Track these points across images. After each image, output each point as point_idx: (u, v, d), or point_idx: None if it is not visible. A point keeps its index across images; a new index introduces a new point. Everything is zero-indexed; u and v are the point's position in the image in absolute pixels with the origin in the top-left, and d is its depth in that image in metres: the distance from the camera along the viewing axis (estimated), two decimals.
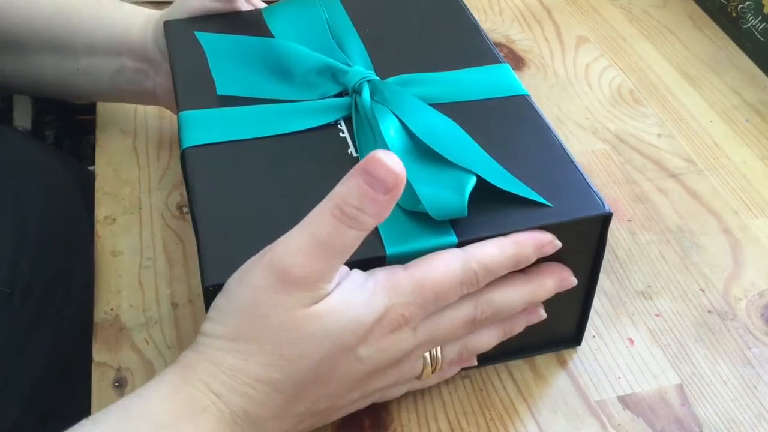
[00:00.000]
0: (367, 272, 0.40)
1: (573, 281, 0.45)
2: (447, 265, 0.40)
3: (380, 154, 0.35)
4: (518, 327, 0.45)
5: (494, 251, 0.41)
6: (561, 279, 0.44)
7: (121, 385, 0.48)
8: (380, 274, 0.40)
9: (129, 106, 0.68)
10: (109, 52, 0.60)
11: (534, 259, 0.42)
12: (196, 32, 0.54)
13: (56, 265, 0.53)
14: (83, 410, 0.47)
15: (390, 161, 0.35)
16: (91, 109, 0.70)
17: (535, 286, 0.44)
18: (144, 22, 0.59)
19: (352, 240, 0.37)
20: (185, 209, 0.59)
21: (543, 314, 0.46)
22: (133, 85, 0.61)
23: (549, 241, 0.42)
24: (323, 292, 0.38)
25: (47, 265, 0.52)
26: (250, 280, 0.38)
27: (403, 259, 0.41)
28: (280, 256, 0.37)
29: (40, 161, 0.60)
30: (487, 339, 0.44)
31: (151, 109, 0.68)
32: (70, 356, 0.52)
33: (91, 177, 0.64)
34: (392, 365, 0.41)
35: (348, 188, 0.36)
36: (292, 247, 0.37)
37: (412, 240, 0.41)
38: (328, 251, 0.37)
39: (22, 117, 0.97)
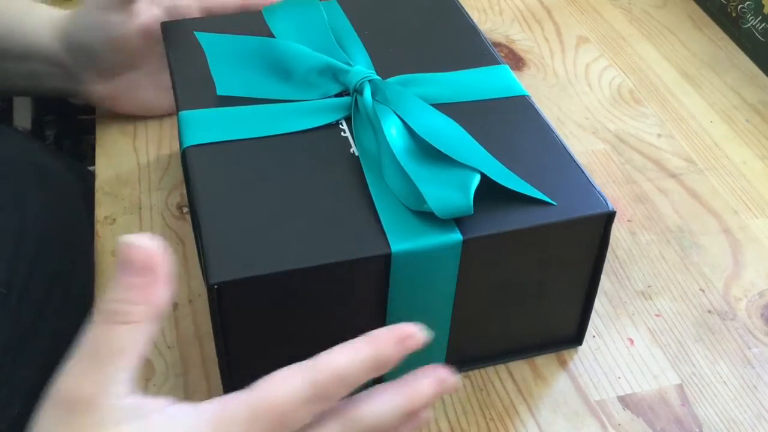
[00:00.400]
0: (198, 403, 0.34)
1: (453, 382, 0.37)
2: (289, 381, 0.34)
3: (127, 238, 0.32)
4: None
5: (346, 356, 0.35)
6: (439, 380, 0.37)
7: None
8: (209, 404, 0.33)
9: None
10: (18, 57, 0.60)
11: (397, 357, 0.36)
12: (195, 32, 0.54)
13: (56, 265, 0.53)
14: None
15: (138, 240, 0.32)
16: (91, 109, 0.70)
17: (409, 391, 0.37)
18: (52, 25, 0.59)
19: (126, 338, 0.32)
20: (185, 209, 0.59)
21: (429, 416, 0.40)
22: (53, 87, 0.61)
23: (410, 334, 0.36)
24: (111, 412, 0.32)
25: (46, 265, 0.52)
26: (38, 425, 0.32)
27: (408, 257, 0.41)
28: (56, 385, 0.32)
29: (40, 161, 0.60)
30: None
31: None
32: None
33: (91, 177, 0.64)
34: None
35: (109, 288, 0.33)
36: (65, 370, 0.32)
37: (417, 237, 0.41)
38: (96, 359, 0.32)
39: (22, 117, 0.97)
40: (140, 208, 0.59)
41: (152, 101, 0.64)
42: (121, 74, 0.62)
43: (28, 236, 0.52)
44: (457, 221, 0.42)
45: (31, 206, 0.54)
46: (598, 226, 0.44)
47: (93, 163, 0.64)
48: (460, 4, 0.59)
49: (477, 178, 0.42)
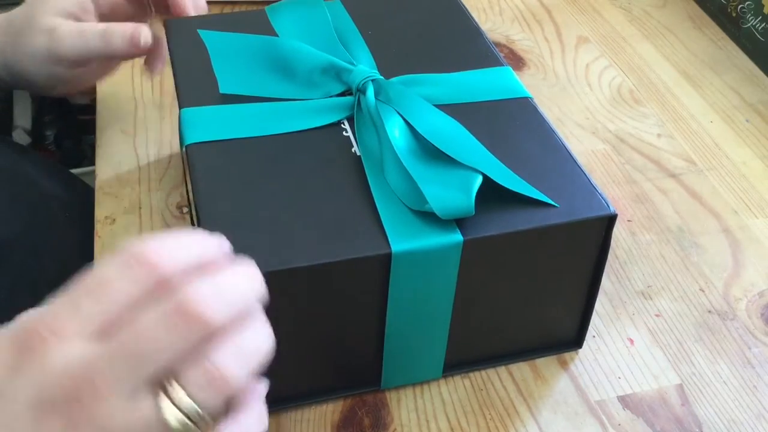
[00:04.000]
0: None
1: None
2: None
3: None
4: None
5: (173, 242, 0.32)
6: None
7: None
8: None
9: (129, 106, 0.68)
10: None
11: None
12: (199, 30, 0.54)
13: (17, 269, 0.52)
14: None
15: None
16: (91, 109, 0.70)
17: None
18: None
19: None
20: (185, 209, 0.59)
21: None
22: None
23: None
24: None
25: (8, 269, 0.52)
26: None
27: (408, 257, 0.41)
28: None
29: (12, 167, 0.60)
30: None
31: (151, 109, 0.68)
32: None
33: (79, 183, 0.64)
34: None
35: None
36: None
37: (418, 237, 0.41)
38: None
39: (22, 117, 0.97)
40: (140, 208, 0.59)
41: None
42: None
43: None
44: (458, 222, 0.42)
45: None
46: (600, 229, 0.44)
47: (93, 163, 0.64)
48: (463, 5, 0.59)
49: (479, 179, 0.42)
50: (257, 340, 0.32)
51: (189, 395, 0.30)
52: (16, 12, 0.59)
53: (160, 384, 0.30)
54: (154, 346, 0.30)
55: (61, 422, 0.30)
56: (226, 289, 0.32)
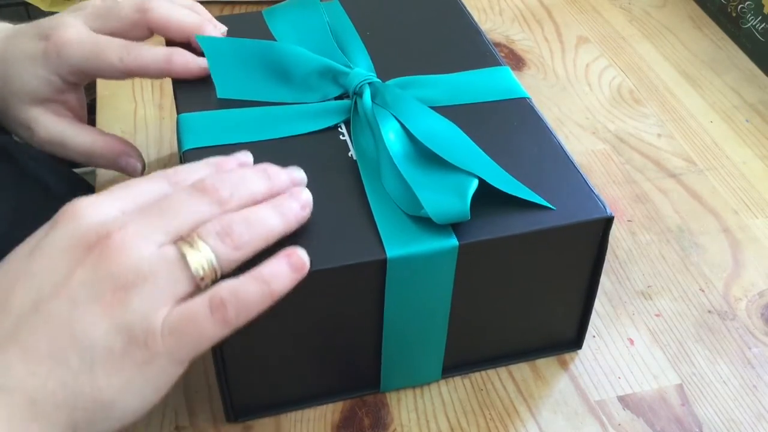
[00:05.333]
0: None
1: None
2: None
3: None
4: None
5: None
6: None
7: None
8: None
9: (129, 106, 0.68)
10: None
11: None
12: (195, 35, 0.54)
13: None
14: None
15: None
16: (91, 109, 0.70)
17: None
18: None
19: None
20: None
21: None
22: None
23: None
24: None
25: None
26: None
27: (404, 262, 0.41)
28: None
29: (21, 163, 0.60)
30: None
31: (150, 109, 0.68)
32: None
33: (82, 182, 0.64)
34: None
35: None
36: None
37: (413, 243, 0.41)
38: None
39: None
40: None
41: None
42: None
43: None
44: (454, 226, 0.42)
45: (1, 206, 0.54)
46: (597, 231, 0.44)
47: None
48: (462, 4, 0.59)
49: (474, 183, 0.42)
50: (263, 216, 0.39)
51: (207, 245, 0.37)
52: None
53: (182, 240, 0.37)
54: (178, 208, 0.38)
55: (94, 260, 0.36)
56: (239, 178, 0.40)
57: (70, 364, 0.35)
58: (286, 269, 0.38)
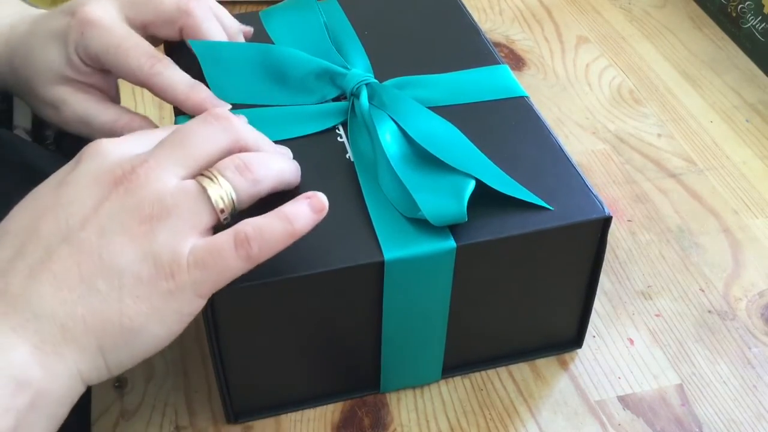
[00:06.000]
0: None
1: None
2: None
3: None
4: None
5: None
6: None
7: (121, 386, 0.48)
8: None
9: (129, 106, 0.68)
10: None
11: None
12: (188, 40, 0.53)
13: None
14: (83, 412, 0.47)
15: None
16: None
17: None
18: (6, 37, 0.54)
19: None
20: None
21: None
22: None
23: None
24: None
25: None
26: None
27: (401, 264, 0.41)
28: None
29: (31, 162, 0.60)
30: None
31: (150, 109, 0.68)
32: None
33: None
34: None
35: None
36: None
37: (411, 245, 0.41)
38: None
39: (22, 117, 0.97)
40: None
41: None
42: None
43: None
44: (452, 228, 0.42)
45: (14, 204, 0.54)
46: (595, 231, 0.44)
47: None
48: (462, 4, 0.59)
49: (471, 185, 0.42)
50: (275, 158, 0.42)
51: (225, 179, 0.38)
52: (16, 63, 0.53)
53: (202, 175, 0.39)
54: (194, 137, 0.39)
55: (121, 194, 0.37)
56: (253, 131, 0.42)
57: (99, 290, 0.36)
58: (308, 209, 0.39)
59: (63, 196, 0.38)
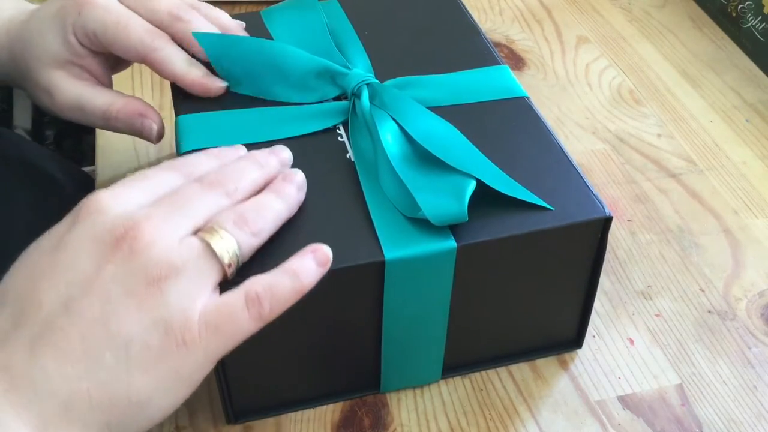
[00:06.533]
0: None
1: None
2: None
3: None
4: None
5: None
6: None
7: None
8: None
9: None
10: None
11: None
12: (193, 33, 0.54)
13: None
14: None
15: None
16: None
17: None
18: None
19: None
20: None
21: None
22: None
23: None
24: None
25: None
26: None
27: (402, 264, 0.41)
28: None
29: (32, 161, 0.60)
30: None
31: None
32: None
33: (89, 180, 0.64)
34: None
35: None
36: None
37: (411, 245, 0.41)
38: None
39: (22, 117, 0.97)
40: None
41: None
42: None
43: (14, 235, 0.52)
44: (452, 228, 0.42)
45: (18, 205, 0.54)
46: (596, 231, 0.44)
47: (93, 163, 0.64)
48: (462, 4, 0.59)
49: (472, 185, 0.42)
50: (269, 202, 0.40)
51: (227, 233, 0.37)
52: (15, 50, 0.54)
53: (202, 231, 0.37)
54: (194, 201, 0.38)
55: (124, 254, 0.35)
56: (239, 171, 0.41)
57: (106, 363, 0.34)
58: (313, 264, 0.38)
59: (61, 261, 0.35)
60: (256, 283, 0.37)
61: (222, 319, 0.36)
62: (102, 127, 0.54)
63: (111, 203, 0.37)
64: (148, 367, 0.34)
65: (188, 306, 0.35)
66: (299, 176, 0.43)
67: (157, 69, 0.51)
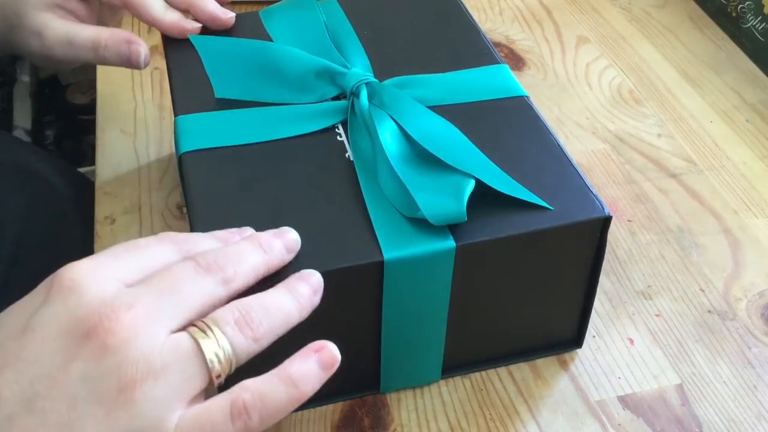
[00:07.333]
0: None
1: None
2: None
3: None
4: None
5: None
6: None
7: None
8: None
9: (129, 106, 0.68)
10: None
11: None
12: (190, 36, 0.54)
13: (36, 267, 0.53)
14: None
15: None
16: (91, 109, 0.70)
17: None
18: None
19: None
20: (185, 209, 0.59)
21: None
22: None
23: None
24: None
25: (25, 267, 0.51)
26: None
27: (401, 264, 0.41)
28: None
29: (26, 164, 0.60)
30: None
31: (151, 109, 0.68)
32: None
33: (85, 181, 0.64)
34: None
35: None
36: None
37: (410, 244, 0.41)
38: None
39: (22, 117, 0.97)
40: (140, 208, 0.59)
41: None
42: None
43: (7, 237, 0.52)
44: (451, 227, 0.42)
45: (12, 208, 0.54)
46: (595, 231, 0.44)
47: (93, 163, 0.64)
48: (462, 4, 0.59)
49: (471, 184, 0.42)
50: (280, 303, 0.35)
51: (223, 335, 0.33)
52: (4, 2, 0.56)
53: (195, 327, 0.33)
54: (185, 286, 0.33)
55: (96, 349, 0.31)
56: (239, 255, 0.36)
57: None
58: (316, 368, 0.34)
59: (27, 349, 0.31)
60: (245, 389, 0.32)
61: (200, 429, 0.32)
62: (91, 60, 0.55)
63: (88, 280, 0.32)
64: None
65: (163, 417, 0.31)
66: (316, 278, 0.38)
67: (136, 12, 0.54)
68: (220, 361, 0.33)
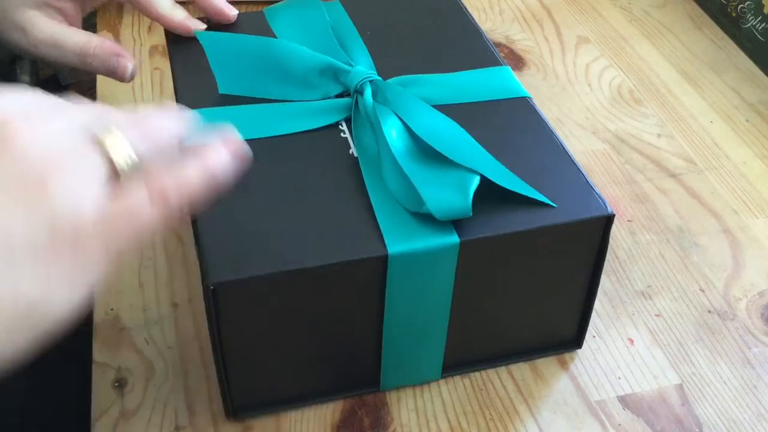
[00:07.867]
0: None
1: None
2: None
3: None
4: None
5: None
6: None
7: (121, 385, 0.48)
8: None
9: (129, 106, 0.68)
10: None
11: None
12: (195, 31, 0.54)
13: None
14: (82, 411, 0.47)
15: None
16: None
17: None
18: None
19: None
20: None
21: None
22: None
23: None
24: None
25: None
26: None
27: (405, 259, 0.41)
28: None
29: None
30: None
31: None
32: (69, 353, 0.52)
33: None
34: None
35: None
36: None
37: (414, 239, 0.41)
38: None
39: None
40: None
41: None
42: None
43: None
44: (455, 223, 0.42)
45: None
46: (598, 229, 0.44)
47: None
48: (462, 4, 0.59)
49: (476, 180, 0.42)
50: (163, 120, 0.36)
51: (119, 131, 0.33)
52: None
53: (100, 137, 0.33)
54: (88, 108, 0.34)
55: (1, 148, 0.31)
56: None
57: None
58: (228, 157, 0.36)
59: None
60: (163, 176, 0.33)
61: (122, 216, 0.32)
62: (74, 64, 0.55)
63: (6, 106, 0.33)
64: (36, 270, 0.31)
65: (77, 203, 0.31)
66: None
67: (143, 8, 0.54)
68: (117, 149, 0.33)
